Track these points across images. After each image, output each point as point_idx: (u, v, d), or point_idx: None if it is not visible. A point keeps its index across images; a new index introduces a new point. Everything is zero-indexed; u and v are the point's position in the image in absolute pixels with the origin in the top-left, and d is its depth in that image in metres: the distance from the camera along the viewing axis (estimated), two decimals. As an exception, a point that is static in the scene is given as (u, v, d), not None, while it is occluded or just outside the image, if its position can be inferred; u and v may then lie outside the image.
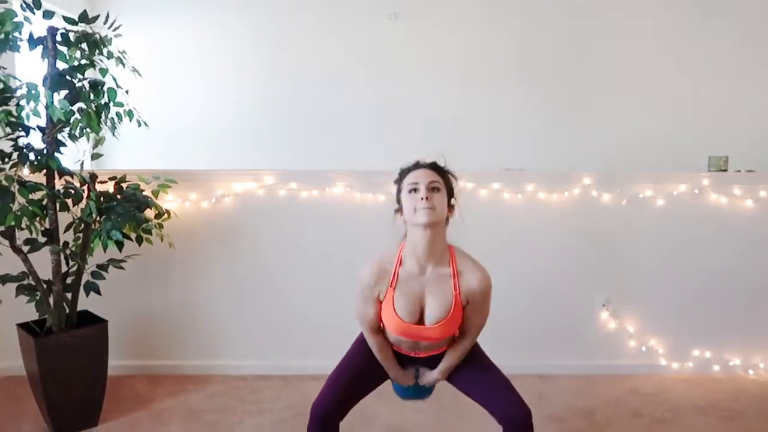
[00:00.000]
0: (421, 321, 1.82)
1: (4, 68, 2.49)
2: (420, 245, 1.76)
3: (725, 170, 3.35)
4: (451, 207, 1.83)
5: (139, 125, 2.70)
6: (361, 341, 2.03)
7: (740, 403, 2.99)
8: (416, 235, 1.76)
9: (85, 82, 2.58)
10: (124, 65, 2.69)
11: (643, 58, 4.26)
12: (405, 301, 1.78)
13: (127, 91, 2.69)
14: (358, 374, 1.95)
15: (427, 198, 1.71)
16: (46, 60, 2.54)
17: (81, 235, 2.71)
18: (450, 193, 1.83)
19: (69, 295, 2.71)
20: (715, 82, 4.22)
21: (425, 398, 2.17)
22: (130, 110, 2.68)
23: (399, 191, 1.84)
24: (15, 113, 2.46)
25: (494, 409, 1.86)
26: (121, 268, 2.83)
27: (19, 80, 2.51)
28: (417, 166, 1.82)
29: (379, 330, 1.93)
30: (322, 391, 1.92)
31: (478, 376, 1.94)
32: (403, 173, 1.84)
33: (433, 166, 1.82)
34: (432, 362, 2.00)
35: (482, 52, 4.25)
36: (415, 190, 1.75)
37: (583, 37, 4.34)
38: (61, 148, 2.62)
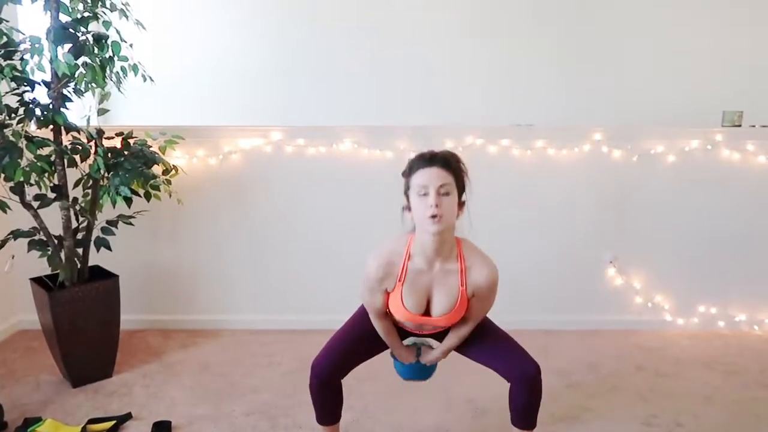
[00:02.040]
0: (427, 312, 1.84)
1: (7, 21, 2.46)
2: (429, 246, 1.73)
3: (739, 125, 3.28)
4: (461, 204, 1.75)
5: (145, 80, 2.67)
6: (364, 312, 2.00)
7: (745, 358, 3.02)
8: (425, 236, 1.72)
9: (89, 36, 2.54)
10: (127, 18, 2.64)
11: (658, 9, 4.14)
12: (412, 294, 1.78)
13: (131, 45, 2.65)
14: (358, 343, 1.97)
15: (437, 205, 1.63)
16: (48, 13, 2.49)
17: (90, 191, 2.72)
18: (461, 189, 1.73)
19: (80, 251, 2.74)
20: (732, 34, 4.10)
21: (427, 379, 2.16)
22: (135, 64, 2.65)
23: (408, 187, 1.73)
24: (20, 68, 2.43)
25: (503, 371, 1.89)
26: (131, 224, 2.85)
27: (23, 33, 2.48)
28: (427, 162, 1.69)
29: (386, 315, 1.91)
30: (322, 352, 1.93)
31: (485, 344, 1.95)
32: (412, 168, 1.71)
33: (444, 163, 1.68)
34: (437, 336, 2.04)
35: (489, 2, 4.13)
36: (424, 194, 1.66)
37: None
38: (67, 104, 2.60)
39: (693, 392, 2.66)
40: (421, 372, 2.12)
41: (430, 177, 1.66)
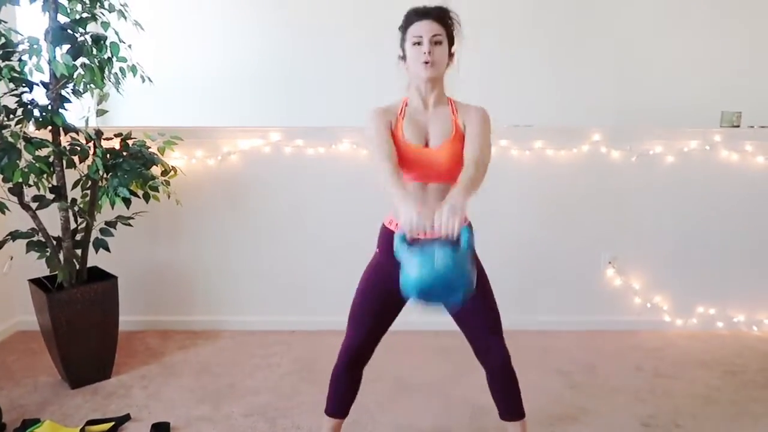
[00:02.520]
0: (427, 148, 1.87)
1: (5, 22, 2.45)
2: (422, 89, 1.85)
3: (738, 126, 3.29)
4: (451, 56, 1.85)
5: (143, 81, 2.67)
6: (368, 273, 1.95)
7: (744, 358, 3.02)
8: (419, 82, 1.84)
9: (87, 37, 2.54)
10: (125, 19, 2.64)
11: (656, 9, 4.14)
12: (412, 127, 1.84)
13: (129, 46, 2.65)
14: (376, 304, 1.91)
15: (430, 52, 1.76)
16: (46, 13, 2.49)
17: (88, 192, 2.72)
18: (451, 41, 1.84)
19: (79, 252, 2.73)
20: (730, 35, 4.11)
21: (458, 298, 1.49)
22: (133, 65, 2.65)
23: (403, 40, 1.84)
24: (18, 68, 2.43)
25: (476, 347, 1.90)
26: (130, 225, 2.85)
27: (21, 34, 2.48)
28: (421, 15, 1.80)
29: (391, 155, 1.79)
30: (348, 333, 1.95)
31: (480, 317, 1.89)
32: (408, 21, 1.83)
33: (437, 16, 1.80)
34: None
35: (488, 4, 4.13)
36: (418, 43, 1.78)
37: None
38: (66, 105, 2.60)
39: (692, 393, 2.66)
40: (444, 273, 1.44)
41: (423, 28, 1.78)
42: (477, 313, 1.87)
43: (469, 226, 1.60)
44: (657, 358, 3.02)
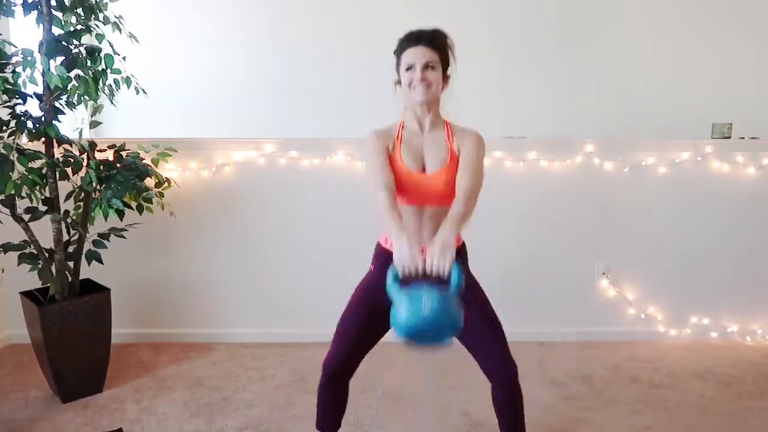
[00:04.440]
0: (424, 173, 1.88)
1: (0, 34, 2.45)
2: (418, 112, 1.87)
3: (729, 137, 3.32)
4: (446, 78, 1.87)
5: (138, 92, 2.67)
6: (360, 290, 1.95)
7: (738, 368, 3.02)
8: (414, 107, 1.86)
9: (82, 49, 2.54)
10: (120, 31, 2.64)
11: (648, 21, 4.18)
12: (409, 151, 1.86)
13: (124, 58, 2.65)
14: (361, 326, 1.91)
15: (422, 79, 1.78)
16: (41, 25, 2.49)
17: (81, 203, 2.71)
18: (446, 65, 1.86)
19: (71, 264, 2.71)
20: (721, 47, 4.15)
21: (445, 339, 1.54)
22: (127, 77, 2.65)
23: (398, 65, 1.86)
24: (11, 80, 2.43)
25: (483, 360, 1.89)
26: (123, 237, 2.83)
27: (15, 46, 2.47)
28: (414, 41, 1.82)
29: (395, 200, 1.81)
30: (330, 348, 1.94)
31: (480, 331, 1.87)
32: (401, 47, 1.85)
33: (430, 41, 1.81)
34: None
35: (478, 15, 4.16)
36: (411, 69, 1.80)
37: (585, 1, 4.26)
38: (60, 116, 2.60)
39: (687, 403, 2.65)
40: (432, 319, 1.47)
41: (415, 56, 1.79)
42: (477, 329, 1.85)
43: (462, 252, 1.78)
44: (652, 368, 3.02)
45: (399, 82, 1.88)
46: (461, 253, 1.90)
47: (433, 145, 1.87)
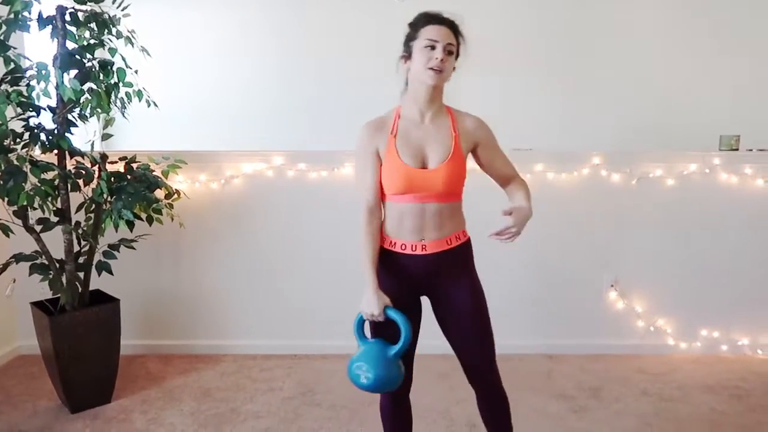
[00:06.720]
0: (424, 169, 1.79)
1: (14, 48, 2.50)
2: (421, 97, 1.80)
3: (737, 149, 3.32)
4: (453, 68, 1.83)
5: (149, 105, 2.71)
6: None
7: (748, 382, 2.99)
8: (418, 87, 1.78)
9: (95, 62, 2.59)
10: (133, 45, 2.69)
11: (654, 33, 4.20)
12: (407, 146, 1.78)
13: (136, 71, 2.69)
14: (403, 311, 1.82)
15: (442, 60, 1.72)
16: (55, 40, 2.54)
17: (92, 215, 2.74)
18: (456, 56, 1.82)
19: (81, 275, 2.74)
20: (728, 59, 4.16)
21: (394, 385, 1.76)
22: (139, 90, 2.69)
23: (412, 38, 1.77)
24: (26, 93, 2.47)
25: (463, 354, 1.86)
26: (133, 248, 2.85)
27: (30, 60, 2.52)
28: (438, 20, 1.76)
29: (376, 210, 1.81)
30: None
31: (468, 345, 1.85)
32: (424, 22, 1.77)
33: (453, 27, 1.78)
34: (437, 262, 1.80)
35: (488, 30, 4.19)
36: (432, 47, 1.73)
37: (591, 13, 4.28)
38: (72, 129, 2.64)
39: (698, 417, 2.63)
40: (386, 370, 1.71)
41: (440, 34, 1.74)
42: (465, 342, 1.84)
43: (467, 249, 1.87)
44: (662, 381, 3.00)
45: (407, 57, 1.79)
46: (466, 250, 1.87)
47: (436, 135, 1.80)
